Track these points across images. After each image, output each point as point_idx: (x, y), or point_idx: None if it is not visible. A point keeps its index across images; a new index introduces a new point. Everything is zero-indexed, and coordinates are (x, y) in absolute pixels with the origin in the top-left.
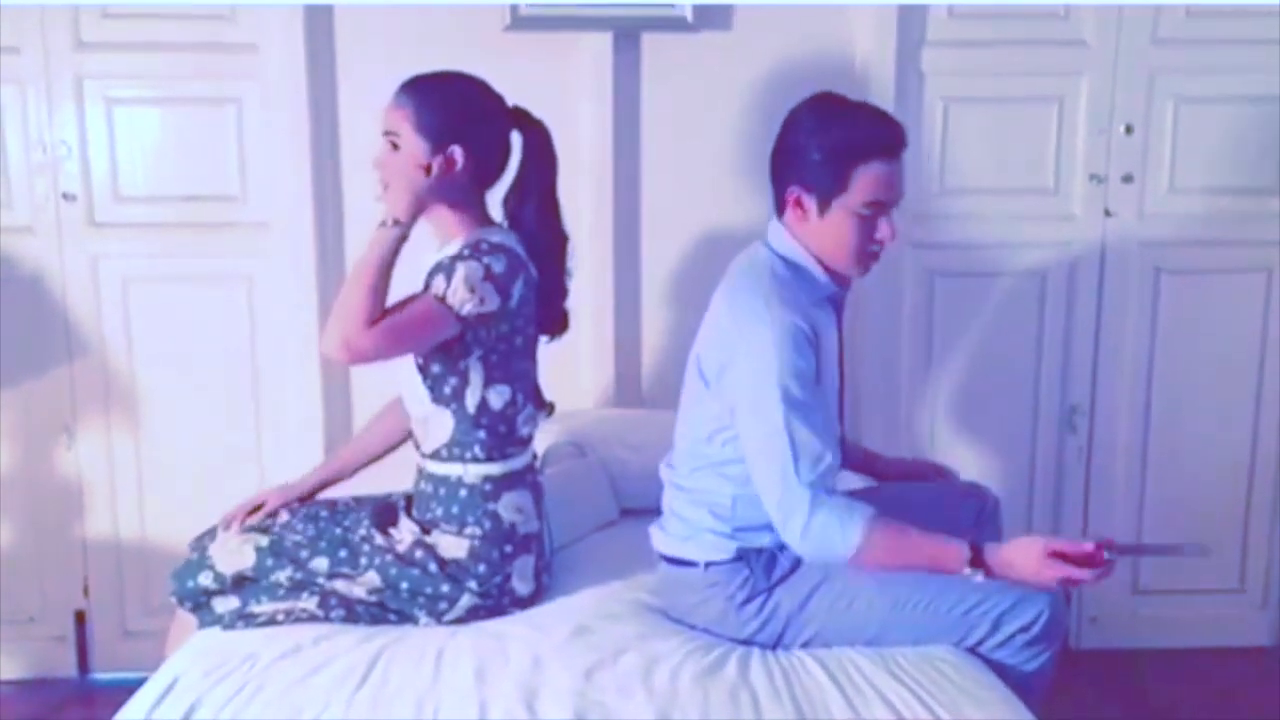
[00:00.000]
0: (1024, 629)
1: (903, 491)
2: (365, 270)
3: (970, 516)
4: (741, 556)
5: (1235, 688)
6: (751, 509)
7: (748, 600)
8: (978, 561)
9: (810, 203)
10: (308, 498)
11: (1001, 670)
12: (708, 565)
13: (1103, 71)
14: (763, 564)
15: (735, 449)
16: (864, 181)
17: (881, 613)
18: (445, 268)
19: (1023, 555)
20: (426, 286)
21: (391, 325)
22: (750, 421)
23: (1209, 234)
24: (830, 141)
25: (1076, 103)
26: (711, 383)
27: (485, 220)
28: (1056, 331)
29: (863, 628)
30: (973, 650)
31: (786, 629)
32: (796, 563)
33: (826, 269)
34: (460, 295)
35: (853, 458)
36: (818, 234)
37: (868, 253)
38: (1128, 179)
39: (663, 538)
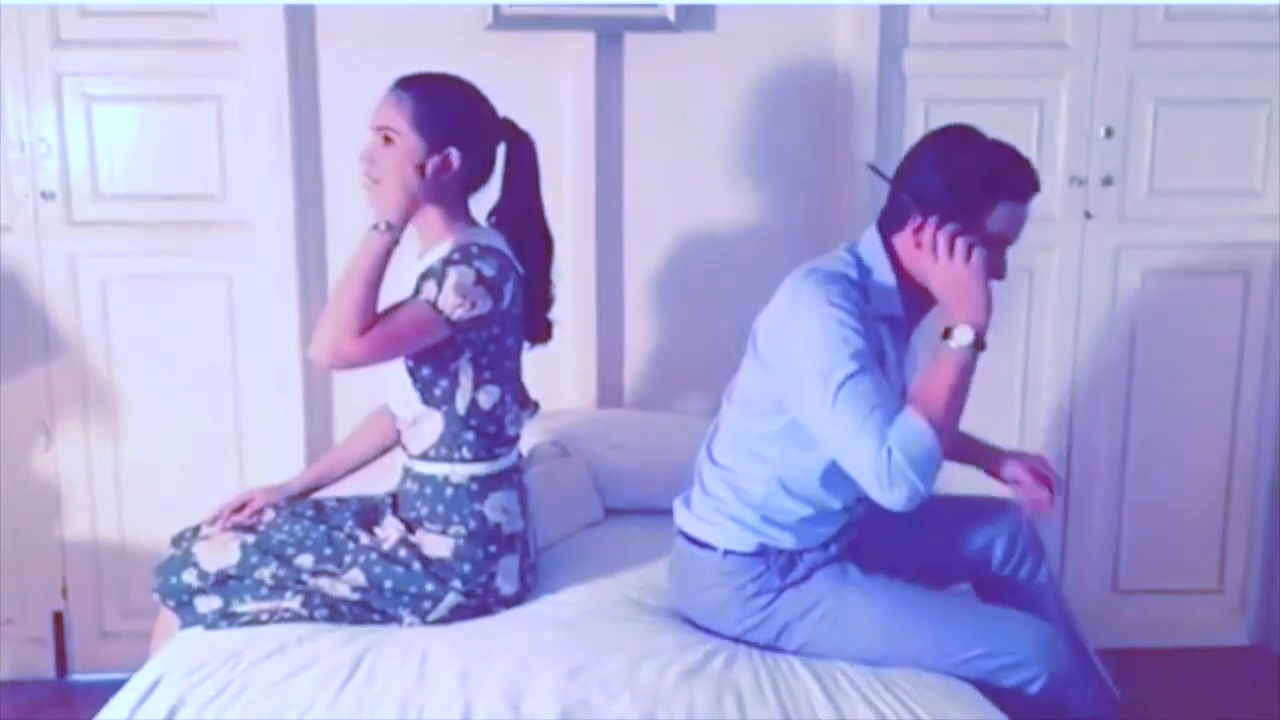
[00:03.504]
0: (1019, 687)
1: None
2: (355, 276)
3: (985, 538)
4: (761, 552)
5: (1214, 688)
6: (781, 503)
7: (756, 595)
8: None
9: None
10: (294, 498)
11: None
12: (726, 553)
13: (1083, 74)
14: (780, 564)
15: (772, 424)
16: (1001, 217)
17: (874, 648)
18: (436, 272)
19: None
20: (417, 291)
21: (382, 332)
22: (815, 412)
23: (1188, 237)
24: (980, 174)
25: (1057, 105)
26: (761, 353)
27: (471, 223)
28: (1038, 333)
29: (851, 650)
30: None
31: (782, 633)
32: (810, 571)
33: (909, 295)
34: (451, 301)
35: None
36: (934, 263)
37: None
38: (1108, 181)
39: (686, 515)
